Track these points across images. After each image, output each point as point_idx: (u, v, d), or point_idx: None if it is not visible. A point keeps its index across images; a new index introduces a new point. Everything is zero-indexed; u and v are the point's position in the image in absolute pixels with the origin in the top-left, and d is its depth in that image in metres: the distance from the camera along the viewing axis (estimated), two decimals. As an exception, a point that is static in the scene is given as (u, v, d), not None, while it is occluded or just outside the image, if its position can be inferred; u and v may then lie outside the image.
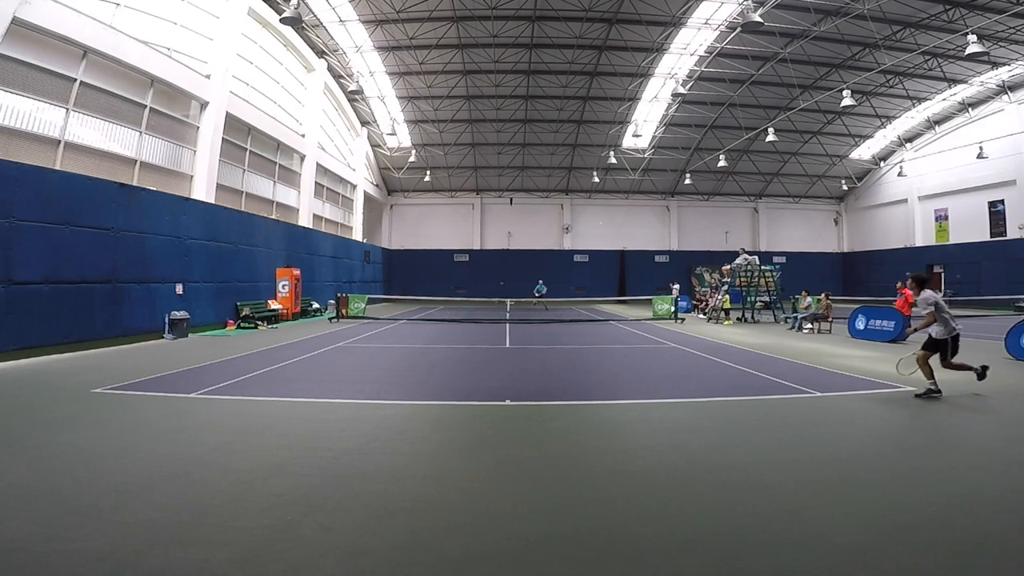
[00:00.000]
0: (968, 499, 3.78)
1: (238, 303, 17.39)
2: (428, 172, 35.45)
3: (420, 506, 3.67)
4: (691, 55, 25.89)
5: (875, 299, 24.73)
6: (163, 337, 13.44)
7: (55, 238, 10.80)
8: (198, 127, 16.82)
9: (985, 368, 7.20)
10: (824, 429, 5.70)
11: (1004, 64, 24.83)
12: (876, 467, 4.46)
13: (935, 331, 7.08)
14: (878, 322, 14.12)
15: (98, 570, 2.80)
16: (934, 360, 7.16)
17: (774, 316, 20.79)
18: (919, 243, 33.68)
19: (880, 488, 4.00)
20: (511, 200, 39.20)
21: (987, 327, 17.44)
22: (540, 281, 31.01)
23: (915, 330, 7.57)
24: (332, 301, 22.16)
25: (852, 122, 31.83)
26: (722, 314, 20.56)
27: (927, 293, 7.15)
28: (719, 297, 21.13)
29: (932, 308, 7.02)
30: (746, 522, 3.43)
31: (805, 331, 16.09)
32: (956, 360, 7.15)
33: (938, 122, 31.26)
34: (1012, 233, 27.94)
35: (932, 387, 6.97)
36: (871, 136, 33.90)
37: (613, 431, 5.64)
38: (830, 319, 16.37)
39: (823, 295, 16.94)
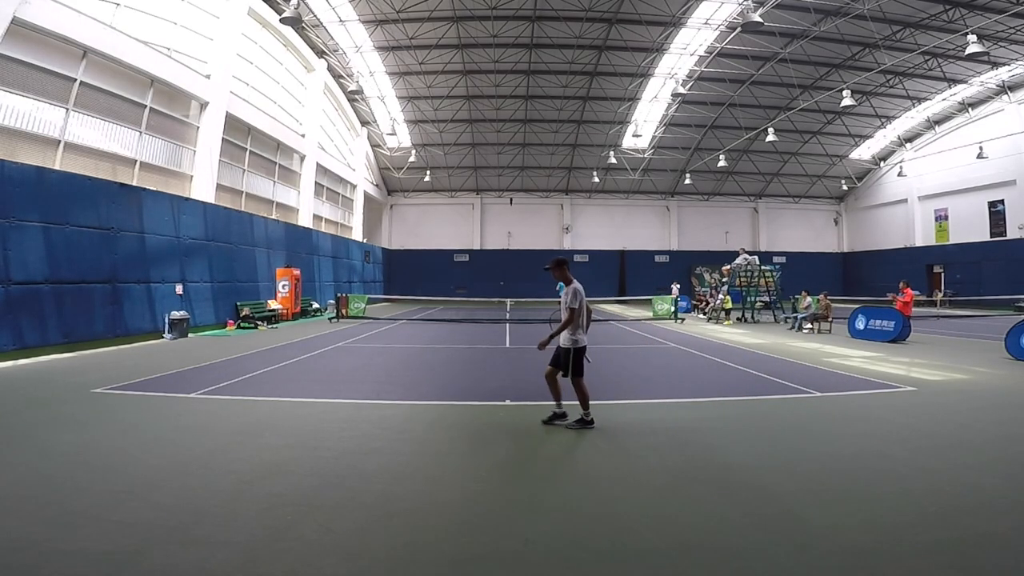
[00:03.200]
0: (969, 499, 3.78)
1: (238, 303, 17.38)
2: (428, 172, 35.45)
3: (420, 506, 3.66)
4: (691, 55, 25.88)
5: (875, 299, 24.72)
6: (163, 337, 13.43)
7: (55, 238, 10.80)
8: (198, 127, 16.81)
9: (586, 421, 5.50)
10: (824, 429, 5.69)
11: (1004, 64, 24.82)
12: (876, 467, 4.45)
13: (564, 338, 5.54)
14: (878, 322, 14.12)
15: (98, 570, 2.80)
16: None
17: (774, 316, 20.79)
18: (919, 243, 33.68)
19: (881, 488, 4.00)
20: (511, 200, 39.20)
21: (987, 327, 17.46)
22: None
23: (544, 344, 5.73)
24: (332, 301, 22.16)
25: (852, 122, 31.82)
26: (722, 314, 20.55)
27: (577, 283, 5.62)
28: (720, 297, 21.12)
29: (576, 304, 5.49)
30: (746, 523, 3.43)
31: (805, 331, 16.08)
32: (582, 383, 5.55)
33: (938, 122, 31.25)
34: (1012, 233, 27.94)
35: (557, 409, 5.65)
36: (871, 136, 33.90)
37: (613, 431, 5.64)
38: (830, 319, 16.37)
39: (822, 295, 16.93)
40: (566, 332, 5.54)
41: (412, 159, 34.09)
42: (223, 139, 17.72)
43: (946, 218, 32.10)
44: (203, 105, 16.79)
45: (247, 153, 20.13)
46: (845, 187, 38.39)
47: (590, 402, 5.62)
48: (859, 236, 39.59)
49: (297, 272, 20.82)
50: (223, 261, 16.99)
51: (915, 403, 6.83)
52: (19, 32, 10.85)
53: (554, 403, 5.76)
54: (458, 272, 37.97)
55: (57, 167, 11.70)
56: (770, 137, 27.54)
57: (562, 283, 5.94)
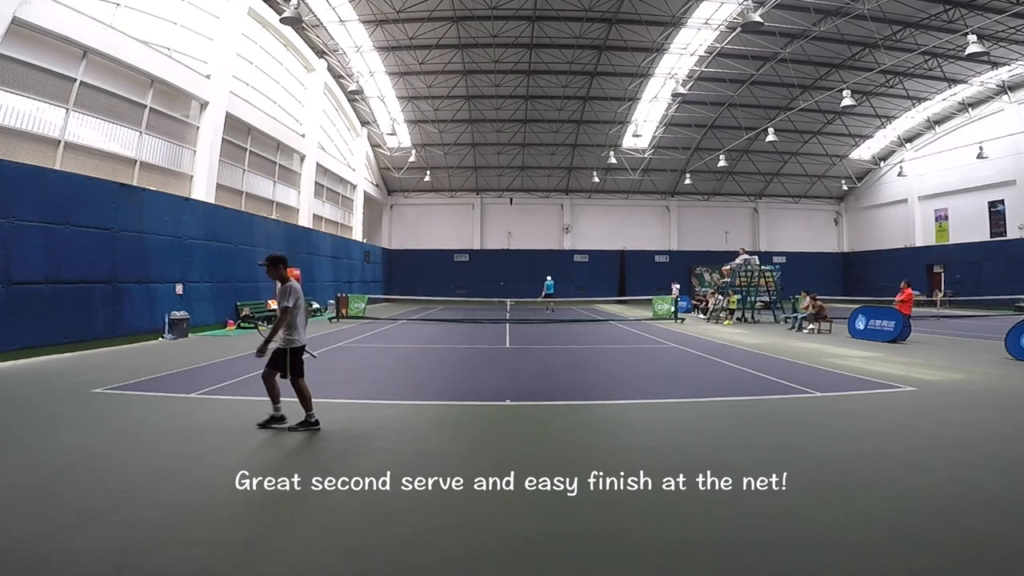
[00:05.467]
0: (968, 499, 3.78)
1: (238, 303, 17.38)
2: (428, 172, 35.43)
3: (419, 506, 3.67)
4: (691, 55, 25.86)
5: (875, 299, 24.72)
6: (163, 337, 13.43)
7: (55, 238, 10.78)
8: (198, 127, 16.80)
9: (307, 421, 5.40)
10: (824, 429, 5.70)
11: (1004, 64, 24.80)
12: (876, 467, 4.46)
13: (279, 338, 5.41)
14: (878, 322, 14.12)
15: (98, 570, 2.80)
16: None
17: (774, 316, 20.79)
18: (919, 243, 33.67)
19: (880, 488, 4.00)
20: (511, 200, 39.17)
21: (987, 327, 17.46)
22: (549, 277, 28.20)
23: (261, 349, 5.39)
24: (332, 301, 22.16)
25: (852, 122, 31.81)
26: (722, 314, 20.56)
27: (292, 282, 5.44)
28: (722, 298, 21.11)
29: (290, 303, 5.30)
30: (746, 522, 3.43)
31: (806, 331, 16.08)
32: (303, 383, 5.47)
33: (938, 122, 31.24)
34: (1012, 233, 27.92)
35: (275, 412, 5.48)
36: (871, 136, 33.88)
37: (613, 431, 5.64)
38: (829, 319, 16.36)
39: (811, 296, 16.86)
40: (281, 332, 5.38)
41: (412, 159, 34.07)
42: (223, 139, 17.70)
43: (946, 218, 32.08)
44: (203, 105, 16.79)
45: (247, 153, 20.12)
46: (845, 187, 38.36)
47: (314, 400, 5.50)
48: (859, 236, 39.57)
49: (297, 272, 20.78)
50: (223, 261, 16.98)
51: (915, 403, 6.83)
52: (19, 32, 10.84)
53: (272, 405, 5.50)
54: (458, 272, 37.94)
55: (57, 167, 11.69)
56: (770, 137, 27.52)
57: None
